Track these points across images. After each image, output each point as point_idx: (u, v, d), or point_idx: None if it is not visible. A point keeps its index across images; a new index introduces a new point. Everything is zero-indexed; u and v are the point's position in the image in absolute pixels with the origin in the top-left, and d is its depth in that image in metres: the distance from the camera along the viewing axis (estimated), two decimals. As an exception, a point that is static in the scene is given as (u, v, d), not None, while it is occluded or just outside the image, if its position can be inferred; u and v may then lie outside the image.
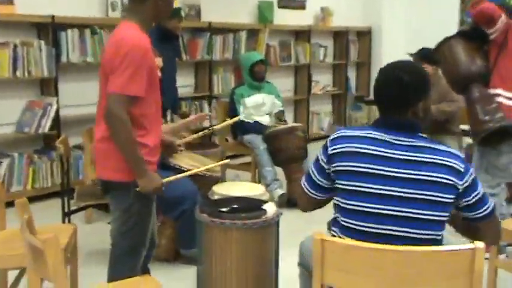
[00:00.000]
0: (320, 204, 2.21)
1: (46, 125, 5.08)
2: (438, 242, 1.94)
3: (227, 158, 5.52)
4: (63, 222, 3.61)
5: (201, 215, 2.73)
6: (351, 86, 8.76)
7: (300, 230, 4.18)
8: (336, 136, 2.03)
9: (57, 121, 5.15)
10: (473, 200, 1.96)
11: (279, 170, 5.06)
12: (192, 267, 3.65)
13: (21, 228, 2.11)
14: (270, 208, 2.79)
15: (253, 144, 5.09)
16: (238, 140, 5.35)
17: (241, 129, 5.25)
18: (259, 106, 5.24)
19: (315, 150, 5.36)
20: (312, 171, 2.12)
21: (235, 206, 2.79)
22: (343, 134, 2.02)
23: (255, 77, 5.28)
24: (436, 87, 4.56)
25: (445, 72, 3.66)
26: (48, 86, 5.20)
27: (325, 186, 2.09)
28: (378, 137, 1.97)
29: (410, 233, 1.90)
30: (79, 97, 5.47)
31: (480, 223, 2.01)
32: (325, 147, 2.05)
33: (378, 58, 8.83)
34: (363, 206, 1.93)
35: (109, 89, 2.36)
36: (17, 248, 2.65)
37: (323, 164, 2.06)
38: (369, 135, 1.98)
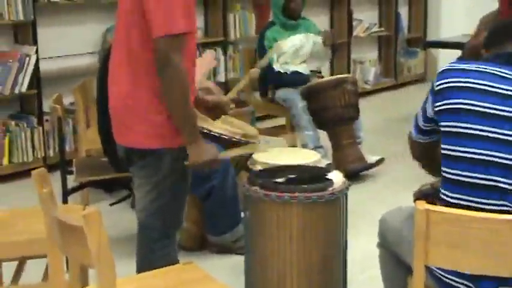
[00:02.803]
0: (429, 153, 2.38)
1: (24, 82, 5.19)
2: None
3: (256, 119, 5.64)
4: (64, 202, 3.74)
5: (251, 188, 2.84)
6: (403, 25, 8.80)
7: (361, 207, 4.35)
8: (443, 69, 2.19)
9: (36, 77, 5.25)
10: None
11: (323, 134, 5.15)
12: (226, 257, 3.78)
13: (42, 205, 2.22)
14: (337, 178, 2.90)
15: (288, 102, 5.17)
16: (268, 97, 5.42)
17: (272, 82, 5.32)
18: (298, 51, 5.30)
19: (363, 109, 5.52)
20: (418, 112, 2.31)
21: (292, 176, 2.90)
22: (452, 66, 2.17)
23: (290, 14, 5.32)
24: None
25: None
26: (24, 33, 5.29)
27: (423, 127, 2.30)
28: (496, 72, 2.11)
29: None
30: (64, 46, 5.56)
31: None
32: (432, 85, 2.21)
33: (436, -13, 8.85)
34: (471, 153, 2.07)
35: (152, 35, 2.42)
36: (18, 233, 2.80)
37: (427, 104, 2.23)
38: (484, 69, 2.13)
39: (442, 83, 2.15)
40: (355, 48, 8.12)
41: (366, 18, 8.33)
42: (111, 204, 4.59)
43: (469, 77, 2.11)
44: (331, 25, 7.98)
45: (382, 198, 4.61)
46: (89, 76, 4.72)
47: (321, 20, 7.73)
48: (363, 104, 5.82)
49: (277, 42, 5.21)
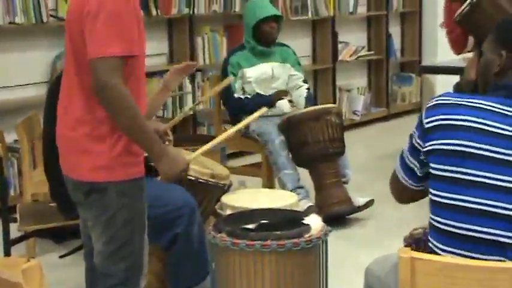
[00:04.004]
0: (414, 197, 2.44)
1: (-39, 117, 5.20)
2: None
3: (228, 156, 5.67)
4: (6, 255, 3.73)
5: (216, 235, 2.86)
6: (395, 48, 8.91)
7: (347, 255, 4.37)
8: (432, 104, 2.23)
9: (-24, 111, 5.28)
10: None
11: (305, 173, 5.19)
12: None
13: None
14: (315, 223, 2.93)
15: (264, 137, 5.19)
16: (242, 131, 5.45)
17: (246, 114, 5.34)
18: (266, 81, 5.33)
19: (350, 143, 5.55)
20: (406, 150, 2.33)
21: (264, 221, 2.93)
22: (441, 101, 2.21)
23: (262, 39, 5.36)
24: None
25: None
26: (-39, 61, 5.32)
27: (418, 173, 2.30)
28: (486, 106, 2.15)
29: None
30: (6, 76, 5.58)
31: None
32: (420, 120, 2.24)
33: (432, 5, 8.97)
34: (468, 201, 2.10)
35: (90, 55, 2.53)
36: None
37: (416, 143, 2.25)
38: (474, 104, 2.16)
39: (433, 120, 2.18)
40: (342, 74, 8.20)
41: (353, 41, 8.43)
42: (61, 256, 4.56)
43: (464, 114, 2.14)
44: (313, 49, 8.07)
45: (371, 245, 4.62)
46: (35, 110, 4.73)
47: (302, 43, 7.83)
48: (351, 137, 5.88)
49: (242, 70, 5.24)
